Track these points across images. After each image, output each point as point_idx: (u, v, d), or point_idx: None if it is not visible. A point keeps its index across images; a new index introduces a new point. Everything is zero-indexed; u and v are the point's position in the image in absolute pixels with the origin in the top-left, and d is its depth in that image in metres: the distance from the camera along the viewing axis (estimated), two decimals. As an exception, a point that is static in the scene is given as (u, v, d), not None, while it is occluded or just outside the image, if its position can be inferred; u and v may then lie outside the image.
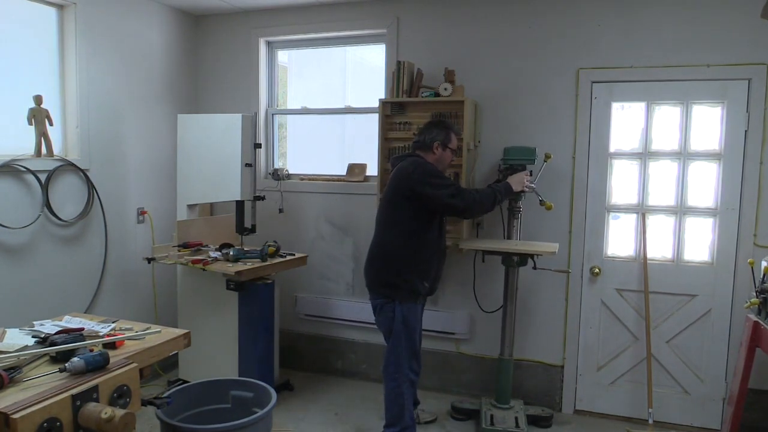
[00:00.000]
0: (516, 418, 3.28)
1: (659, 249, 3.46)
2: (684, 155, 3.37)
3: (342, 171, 4.13)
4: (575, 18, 3.46)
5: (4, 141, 3.10)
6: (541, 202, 3.31)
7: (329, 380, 4.09)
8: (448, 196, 2.81)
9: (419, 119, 3.61)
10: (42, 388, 1.54)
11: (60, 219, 3.30)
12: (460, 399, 3.68)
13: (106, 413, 1.48)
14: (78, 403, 1.52)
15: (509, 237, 3.47)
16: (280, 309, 3.90)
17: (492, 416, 3.32)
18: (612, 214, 3.55)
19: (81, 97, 3.43)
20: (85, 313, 3.16)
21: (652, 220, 3.46)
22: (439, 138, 2.97)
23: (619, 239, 3.55)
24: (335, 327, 4.16)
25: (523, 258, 3.24)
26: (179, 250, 3.57)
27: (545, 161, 3.43)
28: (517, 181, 3.09)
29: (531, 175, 3.32)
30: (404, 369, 2.95)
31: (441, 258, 3.08)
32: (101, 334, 2.00)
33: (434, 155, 2.98)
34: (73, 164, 3.37)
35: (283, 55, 4.42)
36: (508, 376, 3.38)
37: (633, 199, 3.49)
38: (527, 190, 3.18)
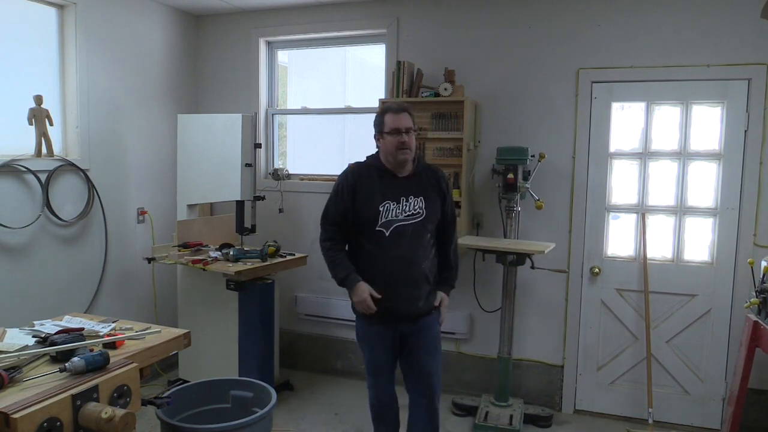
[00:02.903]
0: (511, 416, 3.29)
1: (659, 249, 3.46)
2: (684, 155, 3.37)
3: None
4: (575, 18, 3.46)
5: (4, 141, 3.10)
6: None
7: (329, 380, 4.09)
8: (321, 218, 2.64)
9: (419, 119, 3.59)
10: (42, 388, 1.54)
11: (60, 219, 3.30)
12: (462, 395, 3.68)
13: (106, 413, 1.48)
14: (78, 403, 1.51)
15: (506, 236, 3.48)
16: (280, 309, 3.90)
17: (487, 413, 3.34)
18: (612, 214, 3.55)
19: (81, 97, 3.43)
20: (85, 313, 3.16)
21: (652, 220, 3.46)
22: (376, 129, 2.58)
23: (619, 239, 3.55)
24: (335, 327, 4.16)
25: (520, 257, 3.24)
26: (179, 250, 3.57)
27: (539, 161, 3.44)
28: (357, 294, 2.51)
29: (529, 177, 3.33)
30: (367, 384, 2.80)
31: (391, 271, 2.50)
32: (101, 334, 2.00)
33: (380, 146, 2.59)
34: (73, 164, 3.37)
35: (283, 55, 4.42)
36: (506, 374, 3.39)
37: (633, 199, 3.49)
38: (359, 309, 2.58)
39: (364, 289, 2.51)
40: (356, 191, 2.55)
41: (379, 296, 2.51)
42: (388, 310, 2.54)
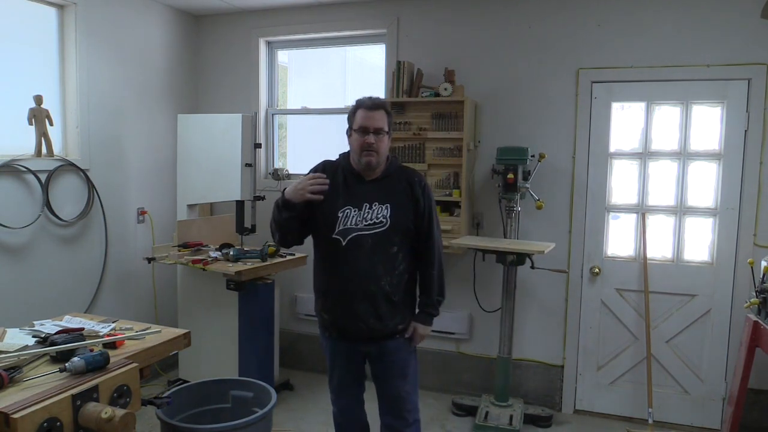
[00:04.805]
0: (511, 416, 3.29)
1: (659, 249, 3.46)
2: (684, 155, 3.37)
3: (342, 171, 4.12)
4: (575, 18, 3.46)
5: (4, 141, 3.10)
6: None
7: (329, 380, 4.08)
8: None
9: (419, 119, 3.62)
10: (42, 388, 1.54)
11: (60, 219, 3.30)
12: (462, 395, 3.68)
13: (106, 413, 1.48)
14: (78, 403, 1.51)
15: (507, 236, 3.48)
16: (280, 309, 3.90)
17: (487, 413, 3.34)
18: (612, 214, 3.55)
19: (81, 97, 3.43)
20: (85, 313, 3.16)
21: (652, 220, 3.46)
22: (348, 123, 2.30)
23: (619, 239, 3.55)
24: (335, 327, 4.15)
25: (520, 257, 3.25)
26: (179, 250, 3.57)
27: (539, 161, 3.44)
28: (290, 189, 2.21)
29: (522, 174, 3.32)
30: (330, 399, 2.59)
31: (345, 286, 2.22)
32: (101, 334, 2.00)
33: (349, 144, 2.31)
34: (73, 164, 3.37)
35: (283, 55, 4.42)
36: (506, 374, 3.39)
37: (633, 199, 3.49)
38: (302, 197, 2.18)
39: (295, 184, 2.18)
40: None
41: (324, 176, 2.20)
42: (343, 328, 2.30)
